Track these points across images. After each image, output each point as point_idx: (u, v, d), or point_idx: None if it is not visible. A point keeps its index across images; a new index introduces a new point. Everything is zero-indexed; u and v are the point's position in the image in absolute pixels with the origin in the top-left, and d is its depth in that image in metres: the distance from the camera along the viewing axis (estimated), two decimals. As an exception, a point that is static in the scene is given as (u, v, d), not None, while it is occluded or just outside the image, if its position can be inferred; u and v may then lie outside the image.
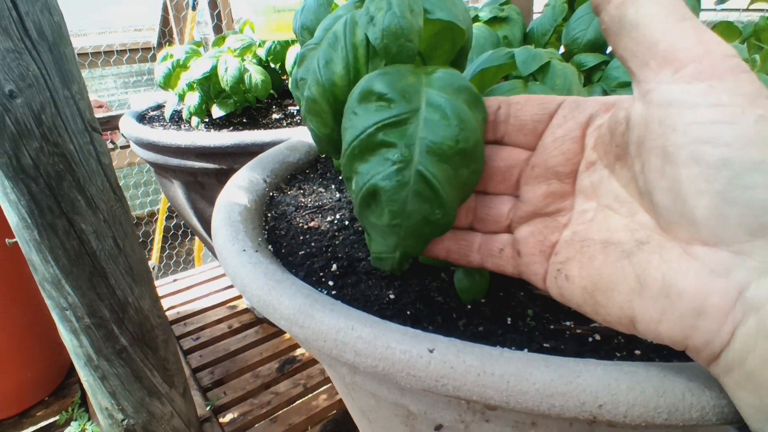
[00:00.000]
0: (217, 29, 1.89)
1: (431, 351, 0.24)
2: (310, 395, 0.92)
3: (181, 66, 0.82)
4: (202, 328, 1.11)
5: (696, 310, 0.18)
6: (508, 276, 0.27)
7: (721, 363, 0.18)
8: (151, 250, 2.29)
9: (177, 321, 1.15)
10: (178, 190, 0.87)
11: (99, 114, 1.42)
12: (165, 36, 2.52)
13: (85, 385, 0.72)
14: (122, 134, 0.88)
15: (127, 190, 2.70)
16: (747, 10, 0.50)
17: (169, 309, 1.19)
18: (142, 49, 2.82)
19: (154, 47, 2.71)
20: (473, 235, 0.28)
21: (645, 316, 0.20)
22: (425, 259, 0.33)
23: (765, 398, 0.17)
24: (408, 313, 0.31)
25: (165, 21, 2.43)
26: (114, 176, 0.59)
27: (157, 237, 2.23)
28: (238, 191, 0.47)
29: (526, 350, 0.27)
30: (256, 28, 0.71)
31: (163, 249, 2.17)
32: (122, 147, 2.09)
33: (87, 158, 0.55)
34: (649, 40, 0.19)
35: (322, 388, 0.93)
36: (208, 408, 0.89)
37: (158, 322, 0.68)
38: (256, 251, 0.36)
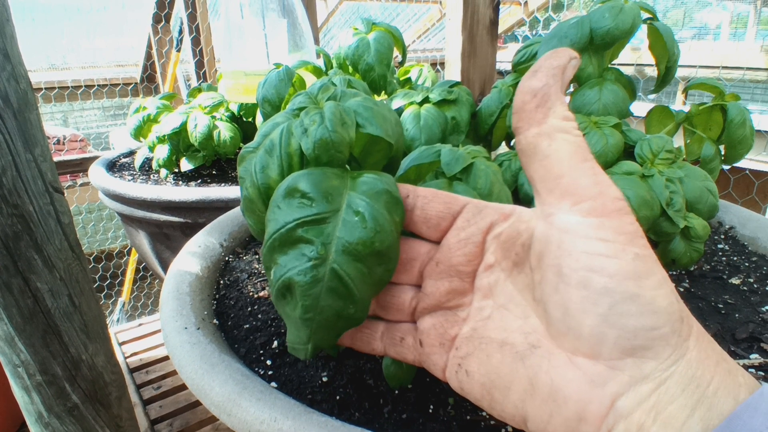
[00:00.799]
0: (199, 65, 1.92)
1: (345, 448, 0.26)
2: (269, 450, 0.90)
3: (152, 120, 0.84)
4: (164, 377, 1.09)
5: (578, 415, 0.20)
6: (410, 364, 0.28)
7: None
8: (122, 286, 2.25)
9: (139, 368, 1.13)
10: (143, 240, 0.87)
11: (73, 155, 1.43)
12: (147, 70, 2.55)
13: (35, 442, 0.70)
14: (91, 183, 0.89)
15: (100, 221, 2.67)
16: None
17: (131, 356, 1.17)
18: (124, 84, 2.83)
19: (137, 83, 2.74)
20: (377, 323, 0.29)
21: (536, 417, 0.22)
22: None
23: None
24: (338, 397, 0.33)
25: (149, 57, 2.46)
26: (74, 234, 0.60)
27: (129, 276, 2.20)
28: (191, 259, 0.48)
29: (440, 443, 0.29)
30: (225, 89, 0.74)
31: (133, 291, 2.14)
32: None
33: (46, 218, 0.56)
34: (556, 171, 0.22)
35: (281, 443, 0.91)
36: (163, 463, 0.87)
37: (112, 378, 0.68)
38: (198, 329, 0.37)
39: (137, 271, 2.16)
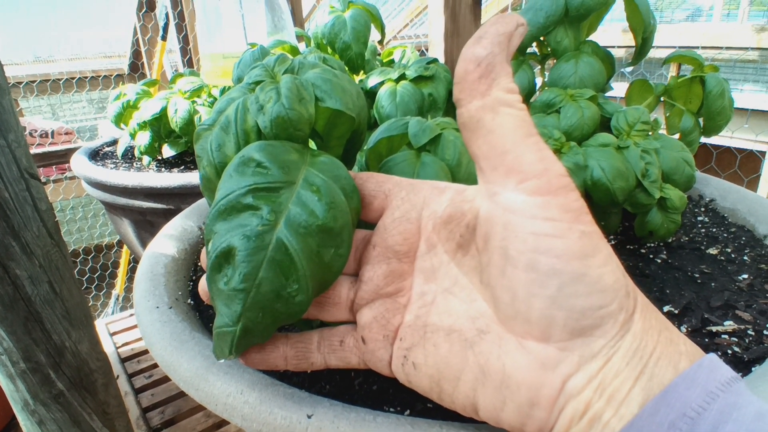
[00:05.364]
0: (184, 52, 1.90)
1: (309, 417, 0.26)
2: (260, 434, 0.91)
3: (131, 106, 0.83)
4: (155, 366, 1.09)
5: (531, 401, 0.20)
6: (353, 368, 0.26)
7: None
8: (116, 279, 2.24)
9: (131, 358, 1.13)
10: (128, 228, 0.87)
11: (57, 147, 1.41)
12: (137, 64, 2.52)
13: (24, 430, 0.70)
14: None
15: (92, 215, 2.66)
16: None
17: (123, 345, 1.17)
18: (111, 75, 2.80)
19: (125, 73, 2.71)
20: (310, 334, 0.27)
21: (488, 405, 0.21)
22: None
23: None
24: (308, 372, 0.33)
25: (136, 47, 2.44)
26: (52, 221, 0.59)
27: (122, 267, 2.19)
28: (167, 242, 0.48)
29: (408, 412, 0.29)
30: (203, 72, 0.73)
31: (126, 283, 2.14)
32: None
33: (22, 205, 0.55)
34: (500, 148, 0.21)
35: (272, 427, 0.92)
36: (154, 449, 0.87)
37: (98, 365, 0.68)
38: (170, 308, 0.37)
39: (130, 263, 2.15)
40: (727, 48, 2.71)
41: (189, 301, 0.41)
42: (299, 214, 0.24)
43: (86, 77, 2.75)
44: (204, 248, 0.25)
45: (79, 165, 0.86)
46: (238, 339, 0.23)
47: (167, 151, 0.84)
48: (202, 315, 0.40)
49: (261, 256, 0.23)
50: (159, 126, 0.82)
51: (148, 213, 0.81)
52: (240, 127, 0.28)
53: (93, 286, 2.27)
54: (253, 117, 0.28)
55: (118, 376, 1.07)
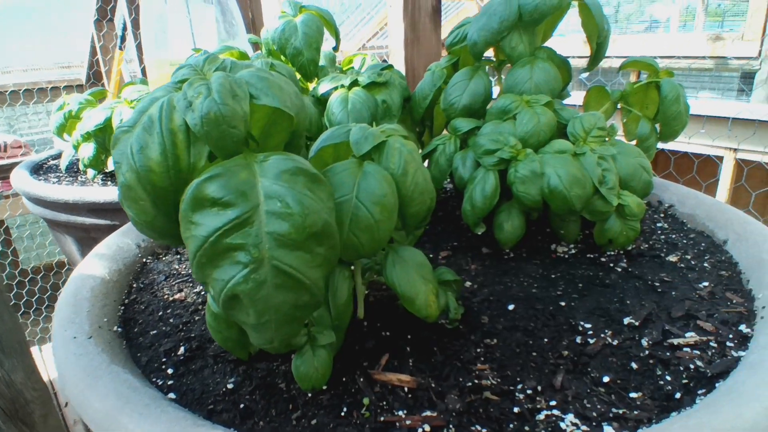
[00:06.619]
0: (141, 61, 1.84)
1: (231, 464, 0.23)
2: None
3: (74, 116, 0.78)
4: (107, 390, 1.03)
5: None
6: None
7: None
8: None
9: (81, 382, 1.06)
10: (72, 246, 0.82)
11: (2, 161, 1.34)
12: (93, 67, 2.43)
13: (-48, 470, 0.64)
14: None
15: (43, 235, 2.54)
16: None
17: (73, 369, 1.10)
18: (70, 85, 2.69)
19: (83, 84, 2.61)
20: None
21: None
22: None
23: None
24: (242, 406, 0.30)
25: (94, 57, 2.35)
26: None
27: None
28: (98, 262, 0.44)
29: (347, 449, 0.26)
30: (149, 80, 0.70)
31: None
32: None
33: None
34: None
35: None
36: (103, 482, 0.81)
37: (34, 395, 0.62)
38: (90, 338, 0.33)
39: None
40: (684, 57, 2.80)
41: (116, 328, 0.37)
42: (280, 236, 0.24)
43: (43, 88, 2.64)
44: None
45: (19, 180, 0.81)
46: (283, 347, 0.27)
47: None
48: (130, 343, 0.36)
49: (265, 290, 0.24)
50: (104, 137, 0.77)
51: (92, 230, 0.76)
52: (165, 127, 0.25)
53: (43, 307, 2.15)
54: (180, 115, 0.25)
55: (66, 403, 1.01)
